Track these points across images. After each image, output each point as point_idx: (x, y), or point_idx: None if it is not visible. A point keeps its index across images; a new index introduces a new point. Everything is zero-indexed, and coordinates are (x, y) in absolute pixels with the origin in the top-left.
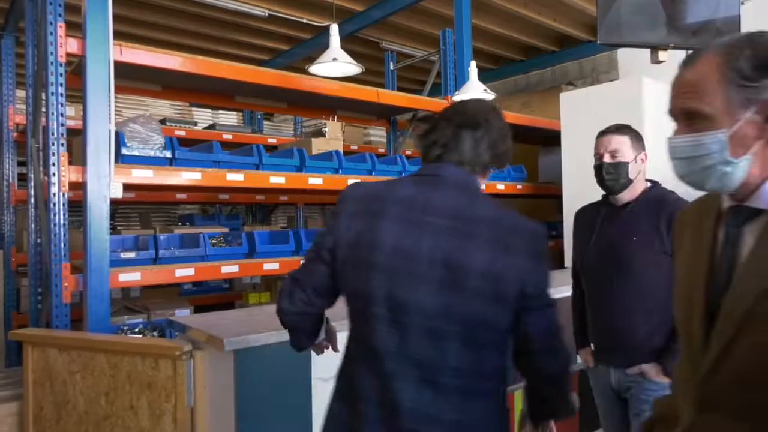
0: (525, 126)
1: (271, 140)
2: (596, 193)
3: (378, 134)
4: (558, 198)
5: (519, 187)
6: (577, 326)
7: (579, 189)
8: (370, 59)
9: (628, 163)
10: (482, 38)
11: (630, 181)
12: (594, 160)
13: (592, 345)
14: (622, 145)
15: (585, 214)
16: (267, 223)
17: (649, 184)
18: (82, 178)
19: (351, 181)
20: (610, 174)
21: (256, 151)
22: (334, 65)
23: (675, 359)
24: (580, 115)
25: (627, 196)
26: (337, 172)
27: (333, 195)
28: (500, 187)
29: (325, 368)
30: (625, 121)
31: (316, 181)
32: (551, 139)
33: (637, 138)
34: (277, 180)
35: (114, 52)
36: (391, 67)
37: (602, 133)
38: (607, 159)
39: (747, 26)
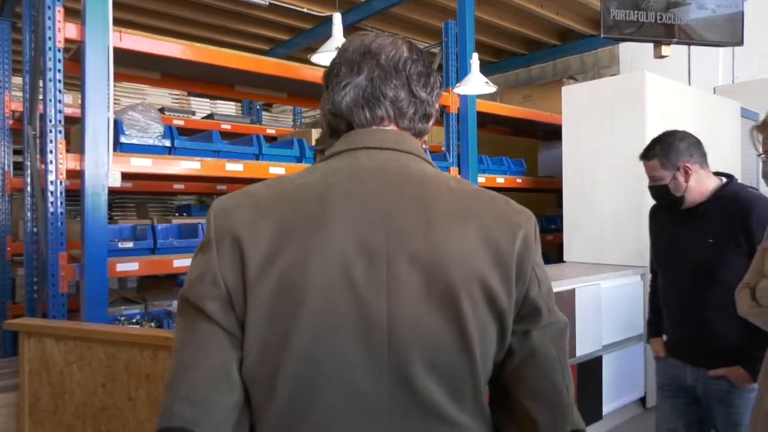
0: (526, 120)
1: (270, 131)
2: (595, 187)
3: None
4: (557, 192)
5: (519, 180)
6: (651, 317)
7: (579, 183)
8: None
9: (667, 185)
10: (484, 31)
11: (680, 197)
12: None
13: (664, 336)
14: (653, 171)
15: (657, 214)
16: None
17: (722, 181)
18: (79, 167)
19: None
20: (655, 197)
21: (255, 141)
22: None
23: (759, 364)
24: (581, 109)
25: (694, 200)
26: None
27: None
28: (500, 180)
29: None
30: (627, 116)
31: (277, 171)
32: (551, 134)
33: (665, 155)
34: (277, 171)
35: (114, 38)
36: None
37: (639, 157)
38: (650, 183)
39: (749, 21)
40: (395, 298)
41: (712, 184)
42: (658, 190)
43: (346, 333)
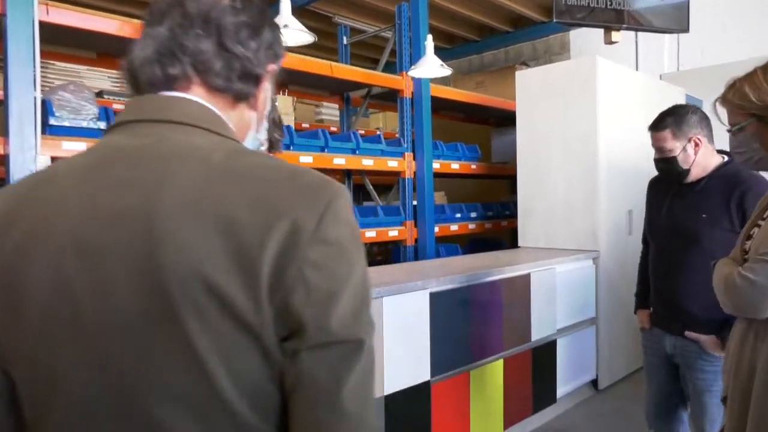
0: (479, 105)
1: None
2: (549, 171)
3: (330, 112)
4: (511, 178)
5: (473, 166)
6: (639, 289)
7: (533, 167)
8: (323, 34)
9: (675, 157)
10: (437, 16)
11: (686, 170)
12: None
13: (651, 309)
14: (664, 141)
15: (657, 186)
16: None
17: (723, 159)
18: (3, 150)
19: (303, 158)
20: (662, 170)
21: None
22: (286, 32)
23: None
24: (534, 93)
25: (696, 175)
26: (288, 148)
27: None
28: (455, 166)
29: None
30: (579, 99)
31: None
32: (504, 120)
33: (678, 126)
34: None
35: (39, 11)
36: (345, 42)
37: (650, 128)
38: (657, 155)
39: (694, 10)
40: (110, 307)
41: (714, 161)
42: (666, 162)
43: (63, 342)
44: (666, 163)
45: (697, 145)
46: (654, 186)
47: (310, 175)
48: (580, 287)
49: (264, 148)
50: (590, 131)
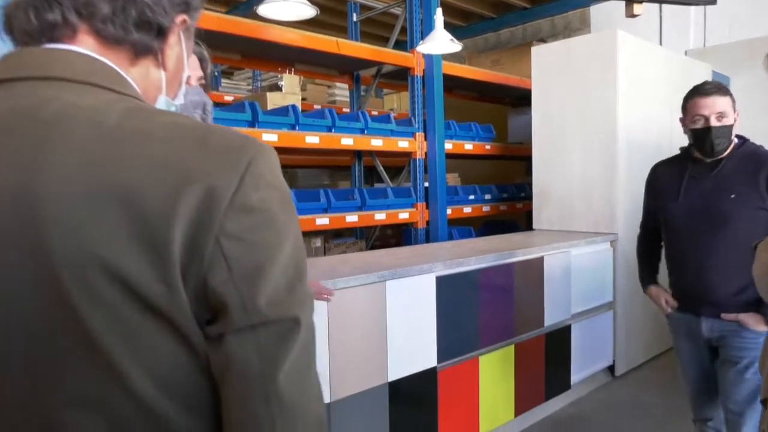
0: (495, 84)
1: (228, 98)
2: (565, 152)
3: (343, 93)
4: (527, 159)
5: (487, 147)
6: (645, 271)
7: (549, 147)
8: (332, 12)
9: (732, 125)
10: None
11: (731, 142)
12: (690, 122)
13: (671, 292)
14: (728, 107)
15: (666, 170)
16: None
17: (737, 140)
18: None
19: (309, 138)
20: (719, 138)
21: None
22: (287, 5)
23: None
24: (552, 70)
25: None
26: (293, 128)
27: (291, 154)
28: (468, 146)
29: None
30: (598, 76)
31: (270, 137)
32: (521, 99)
33: (732, 97)
34: None
35: None
36: (354, 19)
37: (704, 93)
38: (714, 122)
39: None
40: None
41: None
42: (723, 130)
43: None
44: (724, 132)
45: (736, 120)
46: (661, 172)
47: (226, 133)
48: (597, 271)
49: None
50: (609, 109)
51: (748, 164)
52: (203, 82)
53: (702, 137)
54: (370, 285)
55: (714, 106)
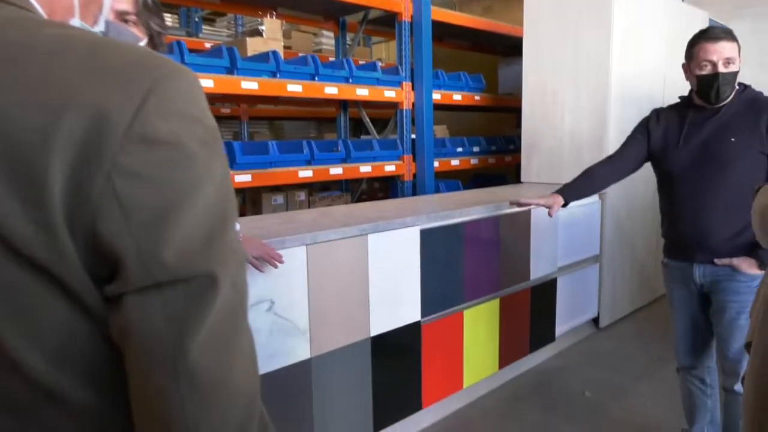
0: (486, 32)
1: (208, 45)
2: (556, 102)
3: (329, 42)
4: (518, 111)
5: (477, 98)
6: (573, 182)
7: (539, 98)
8: None
9: (738, 72)
10: None
11: (735, 90)
12: (696, 68)
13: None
14: (735, 53)
15: (667, 117)
16: None
17: (738, 86)
18: None
19: (291, 87)
20: (726, 85)
21: (177, 48)
22: None
23: None
24: (544, 17)
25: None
26: (274, 75)
27: (274, 104)
28: (457, 97)
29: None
30: (592, 24)
31: (250, 85)
32: (512, 49)
33: (739, 43)
34: (204, 83)
35: None
36: None
37: (713, 38)
38: (722, 69)
39: None
40: None
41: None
42: (731, 77)
43: None
44: (731, 78)
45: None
46: (662, 117)
47: (128, 49)
48: (585, 224)
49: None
50: (602, 59)
51: (750, 109)
52: (132, 18)
53: (708, 83)
54: (352, 239)
55: (722, 52)
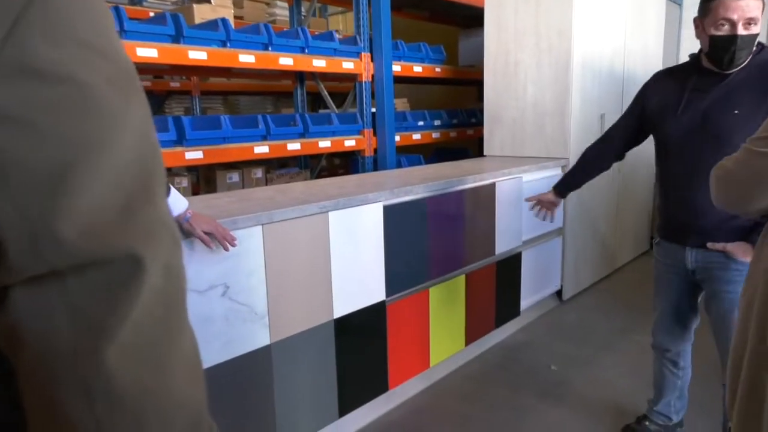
0: (445, 2)
1: (152, 14)
2: (518, 72)
3: (283, 13)
4: (479, 84)
5: (438, 69)
6: (567, 176)
7: (501, 68)
8: None
9: (758, 34)
10: None
11: (751, 54)
12: (711, 26)
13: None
14: (759, 11)
15: (668, 81)
16: (160, 114)
17: (754, 48)
18: None
19: (243, 57)
20: (743, 50)
21: (115, 13)
22: None
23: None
24: None
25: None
26: (224, 45)
27: (226, 75)
28: (417, 69)
29: (198, 278)
30: None
31: (198, 55)
32: (473, 20)
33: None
34: (147, 53)
35: None
36: None
37: None
38: (742, 30)
39: None
40: None
41: None
42: (747, 39)
43: None
44: (749, 41)
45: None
46: (662, 80)
47: None
48: None
49: None
50: (565, 27)
51: (760, 77)
52: None
53: (723, 46)
54: (311, 217)
55: (745, 10)
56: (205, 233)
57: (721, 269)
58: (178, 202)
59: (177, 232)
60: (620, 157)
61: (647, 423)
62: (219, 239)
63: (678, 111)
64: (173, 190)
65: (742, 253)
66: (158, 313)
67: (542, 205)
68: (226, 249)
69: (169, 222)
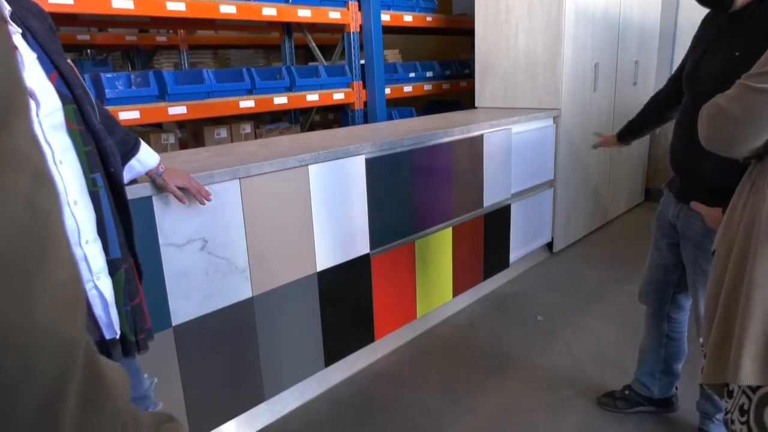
0: None
1: None
2: (510, 20)
3: None
4: (471, 34)
5: (429, 19)
6: (626, 125)
7: (492, 19)
8: None
9: None
10: None
11: None
12: None
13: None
14: None
15: (707, 21)
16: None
17: None
18: None
19: (224, 8)
20: None
21: None
22: None
23: None
24: None
25: (742, 1)
26: None
27: (213, 28)
28: (408, 18)
29: (175, 233)
30: None
31: (176, 6)
32: None
33: None
34: (123, 4)
35: None
36: None
37: None
38: None
39: None
40: None
41: None
42: None
43: None
44: None
45: None
46: (703, 23)
47: None
48: (539, 148)
49: None
50: None
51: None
52: None
53: None
54: (290, 170)
55: None
56: (180, 188)
57: (695, 232)
58: (149, 157)
59: (42, 165)
60: (673, 113)
61: (627, 392)
62: (193, 193)
63: (694, 53)
64: (143, 145)
65: (715, 220)
66: (19, 243)
67: (604, 144)
68: (202, 203)
69: (31, 154)
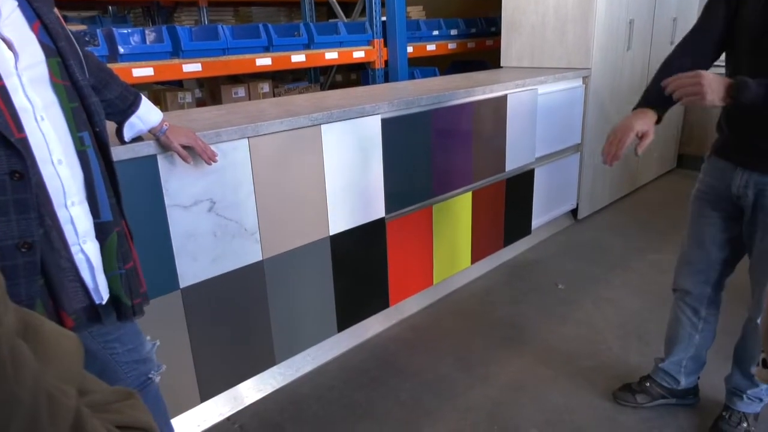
0: None
1: None
2: None
3: None
4: None
5: None
6: (647, 90)
7: None
8: None
9: None
10: None
11: None
12: None
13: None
14: None
15: None
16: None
17: None
18: None
19: None
20: None
21: None
22: None
23: None
24: None
25: None
26: None
27: None
28: None
29: (182, 193)
30: None
31: None
32: None
33: None
34: None
35: None
36: None
37: None
38: None
39: None
40: None
41: None
42: None
43: None
44: None
45: None
46: None
47: None
48: (566, 110)
49: None
50: None
51: None
52: None
53: None
54: (302, 130)
55: None
56: (184, 147)
57: None
58: (150, 114)
59: None
60: (713, 62)
61: (648, 384)
62: (198, 153)
63: (757, 9)
64: (145, 101)
65: None
66: None
67: (647, 140)
68: (207, 163)
69: None
